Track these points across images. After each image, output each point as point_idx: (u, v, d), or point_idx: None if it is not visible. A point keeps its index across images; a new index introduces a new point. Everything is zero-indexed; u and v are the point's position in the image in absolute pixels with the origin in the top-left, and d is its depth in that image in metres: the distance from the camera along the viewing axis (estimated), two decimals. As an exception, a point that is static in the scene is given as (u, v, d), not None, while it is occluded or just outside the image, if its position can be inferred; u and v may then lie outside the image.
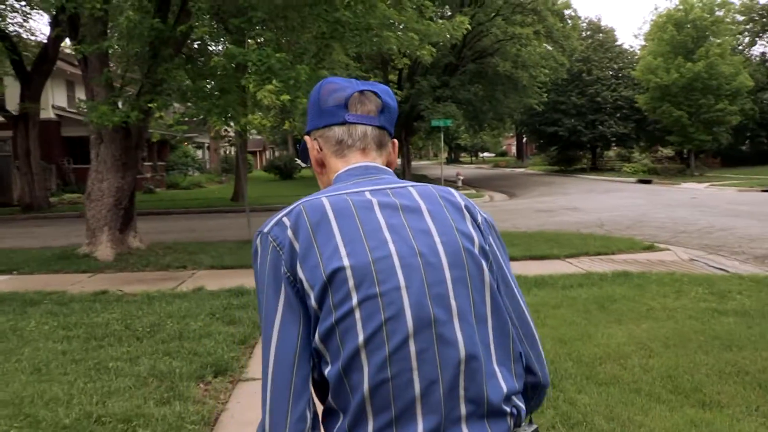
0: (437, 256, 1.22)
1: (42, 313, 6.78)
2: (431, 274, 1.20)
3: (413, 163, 37.49)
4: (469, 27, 16.17)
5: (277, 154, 60.13)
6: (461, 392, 1.17)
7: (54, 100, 30.44)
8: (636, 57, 40.69)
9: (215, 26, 10.63)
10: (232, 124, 10.73)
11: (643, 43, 38.47)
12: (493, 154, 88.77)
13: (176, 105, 12.92)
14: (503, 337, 1.27)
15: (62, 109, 31.48)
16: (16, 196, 25.44)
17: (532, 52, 27.22)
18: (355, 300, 1.15)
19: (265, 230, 1.25)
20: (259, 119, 10.53)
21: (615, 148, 46.99)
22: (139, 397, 4.22)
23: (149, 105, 9.52)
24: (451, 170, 36.31)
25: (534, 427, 1.30)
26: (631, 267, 8.68)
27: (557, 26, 29.47)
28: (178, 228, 15.99)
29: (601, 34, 44.43)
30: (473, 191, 27.12)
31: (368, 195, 1.27)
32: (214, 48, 11.83)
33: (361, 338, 1.14)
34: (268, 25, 10.19)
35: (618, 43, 44.68)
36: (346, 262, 1.17)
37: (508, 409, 1.23)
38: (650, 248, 10.45)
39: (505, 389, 1.22)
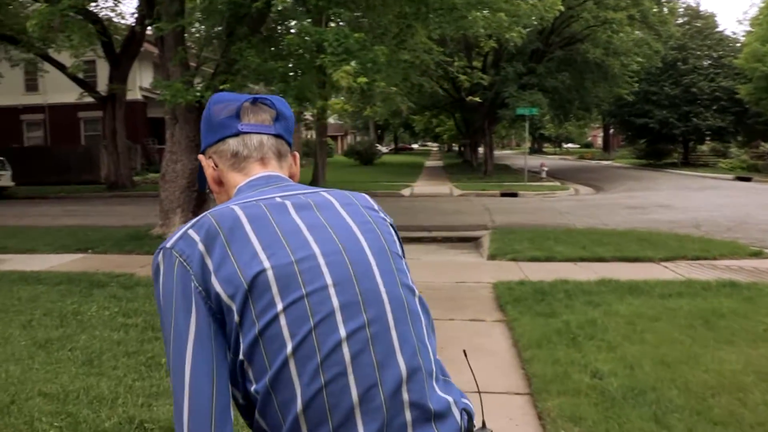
0: (361, 249, 1.16)
1: (106, 296, 6.61)
2: (359, 268, 1.14)
3: (495, 153, 36.46)
4: (562, 8, 15.22)
5: (357, 139, 60.23)
6: (404, 396, 1.09)
7: (141, 81, 31.28)
8: (739, 44, 37.94)
9: (293, 3, 10.27)
10: (308, 106, 10.38)
11: (748, 28, 35.68)
12: (578, 146, 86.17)
13: (253, 86, 12.71)
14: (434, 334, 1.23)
15: (148, 90, 32.29)
16: (103, 175, 26.26)
17: (625, 38, 25.67)
18: (280, 306, 1.07)
19: (168, 245, 1.13)
20: (341, 104, 10.18)
21: (709, 142, 44.33)
22: (188, 403, 3.85)
23: (223, 85, 9.29)
24: (534, 161, 35.07)
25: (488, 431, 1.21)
26: (737, 275, 7.76)
27: (653, 10, 27.69)
28: (253, 211, 15.85)
29: (699, 21, 41.82)
30: (557, 183, 26.03)
31: (279, 199, 1.20)
32: (291, 27, 11.48)
33: (289, 348, 1.05)
34: (347, 4, 9.73)
35: (718, 29, 41.94)
36: (266, 264, 1.08)
37: (457, 409, 1.16)
38: (758, 254, 9.38)
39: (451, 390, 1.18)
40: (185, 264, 1.10)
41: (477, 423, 1.23)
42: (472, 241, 10.90)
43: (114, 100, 23.08)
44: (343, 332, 1.08)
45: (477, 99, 18.36)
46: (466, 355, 1.43)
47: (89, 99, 24.41)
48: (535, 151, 76.02)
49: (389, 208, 1.54)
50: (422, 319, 1.20)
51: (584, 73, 28.57)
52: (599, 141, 76.36)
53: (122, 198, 22.04)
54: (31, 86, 32.97)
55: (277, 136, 1.31)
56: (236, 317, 1.07)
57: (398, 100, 17.00)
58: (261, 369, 1.06)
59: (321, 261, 1.12)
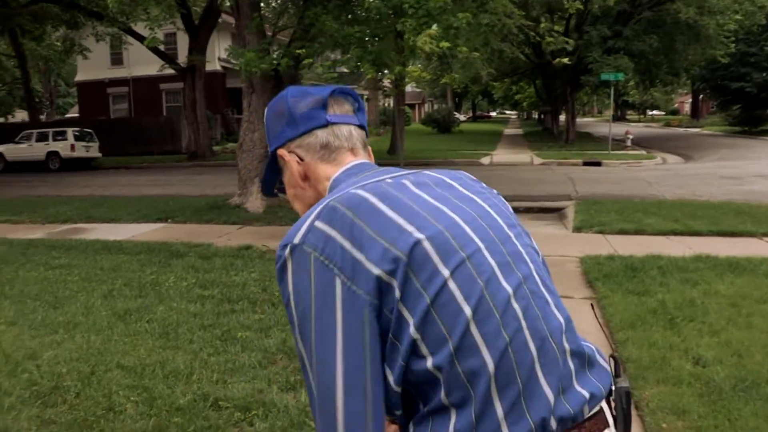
0: (492, 217, 1.15)
1: (184, 266, 6.63)
2: (497, 233, 1.12)
3: (577, 120, 35.18)
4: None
5: (435, 107, 59.56)
6: (566, 345, 1.08)
7: (219, 52, 31.71)
8: None
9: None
10: (386, 72, 10.11)
11: None
12: (663, 113, 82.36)
13: (330, 54, 12.52)
14: None
15: (227, 61, 32.67)
16: (184, 145, 26.92)
17: (723, -6, 23.95)
18: (446, 272, 1.01)
19: (296, 241, 1.06)
20: (418, 71, 9.88)
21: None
22: (263, 379, 3.73)
23: (298, 51, 9.11)
24: (618, 128, 33.57)
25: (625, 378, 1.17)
26: None
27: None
28: (330, 180, 15.81)
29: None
30: (643, 152, 24.83)
31: (391, 180, 1.15)
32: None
33: (468, 311, 1.00)
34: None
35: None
36: (420, 235, 1.02)
37: (602, 358, 1.17)
38: None
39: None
40: (321, 258, 1.02)
41: None
42: (556, 212, 10.43)
43: (194, 72, 23.46)
44: (509, 289, 1.06)
45: (565, 60, 17.46)
46: (593, 308, 1.49)
47: (170, 71, 24.92)
48: (618, 118, 73.01)
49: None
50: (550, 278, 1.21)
51: (674, 35, 26.84)
52: (686, 108, 72.68)
53: (202, 167, 22.51)
54: (116, 60, 34.09)
55: (360, 126, 1.31)
56: (397, 293, 0.99)
57: (479, 66, 16.45)
58: (439, 339, 0.99)
59: (465, 227, 1.09)
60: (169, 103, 34.02)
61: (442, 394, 1.00)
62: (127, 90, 34.76)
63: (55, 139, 24.34)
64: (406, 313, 0.99)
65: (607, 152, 23.08)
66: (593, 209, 9.86)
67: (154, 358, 4.10)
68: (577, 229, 8.65)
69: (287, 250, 1.06)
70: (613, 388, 1.13)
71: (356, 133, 1.27)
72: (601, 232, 8.36)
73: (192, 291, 5.66)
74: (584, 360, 1.11)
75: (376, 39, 9.43)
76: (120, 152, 27.64)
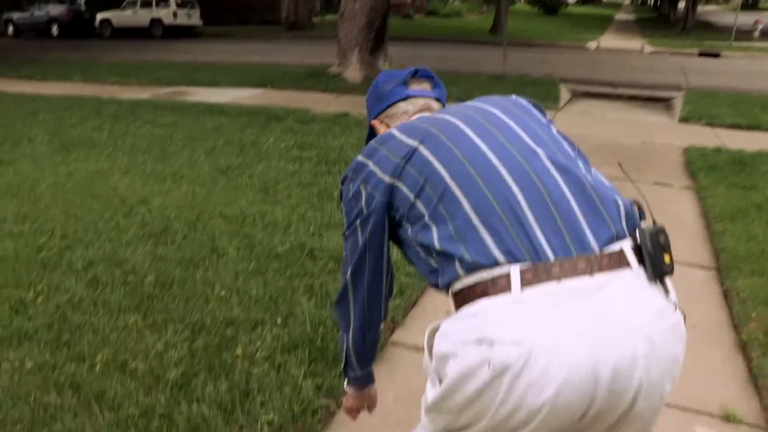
0: (503, 121, 1.32)
1: (282, 129, 6.83)
2: (498, 125, 1.30)
3: (699, 8, 32.36)
4: None
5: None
6: (567, 192, 1.18)
7: None
8: None
9: None
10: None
11: None
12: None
13: None
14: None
15: (330, -72, 31.64)
16: (283, 15, 26.78)
17: None
18: (436, 162, 1.23)
19: (347, 170, 1.38)
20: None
21: None
22: (355, 235, 3.90)
23: None
24: (746, 17, 30.58)
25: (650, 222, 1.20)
26: None
27: None
28: (431, 56, 15.52)
29: None
30: (770, 46, 22.72)
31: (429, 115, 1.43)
32: None
33: (447, 176, 1.21)
34: None
35: None
36: (416, 143, 1.27)
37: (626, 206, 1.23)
38: None
39: None
40: (355, 177, 1.33)
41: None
42: (663, 102, 9.88)
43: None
44: (487, 151, 1.25)
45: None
46: (621, 166, 1.36)
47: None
48: (748, 6, 66.50)
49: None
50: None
51: None
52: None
53: (300, 38, 22.47)
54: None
55: (437, 99, 1.54)
56: (404, 188, 1.25)
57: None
58: (429, 198, 1.24)
59: (455, 121, 1.31)
60: (270, -28, 33.57)
61: (426, 216, 1.22)
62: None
63: (158, 6, 24.75)
64: (408, 193, 1.24)
65: (729, 43, 21.25)
66: (704, 101, 9.27)
67: (254, 209, 4.34)
68: (684, 120, 8.20)
69: (344, 174, 1.40)
70: (639, 231, 1.15)
71: (434, 105, 1.51)
72: (710, 124, 7.90)
73: (290, 152, 5.86)
74: (594, 196, 1.18)
75: None
76: (219, 21, 27.86)
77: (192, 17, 25.34)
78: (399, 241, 1.34)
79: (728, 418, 2.46)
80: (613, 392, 1.05)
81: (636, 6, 68.94)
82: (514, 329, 1.04)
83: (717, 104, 8.99)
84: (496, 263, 1.09)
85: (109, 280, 3.37)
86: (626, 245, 1.13)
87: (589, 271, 1.08)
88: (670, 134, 7.38)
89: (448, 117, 1.33)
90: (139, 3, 25.11)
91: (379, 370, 2.66)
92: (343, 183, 1.38)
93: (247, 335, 2.86)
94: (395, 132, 1.33)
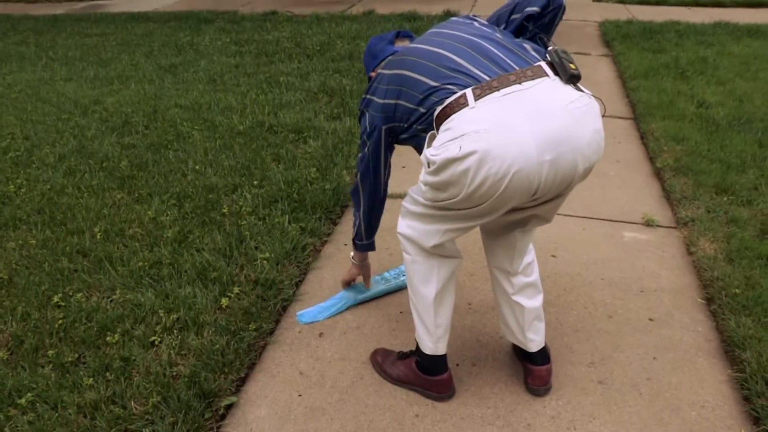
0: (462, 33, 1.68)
1: (215, 30, 6.86)
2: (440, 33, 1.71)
3: None
4: None
5: None
6: (497, 35, 1.66)
7: None
8: None
9: None
10: None
11: None
12: None
13: None
14: None
15: None
16: None
17: None
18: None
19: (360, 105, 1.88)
20: None
21: None
22: (310, 111, 4.19)
23: None
24: None
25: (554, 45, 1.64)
26: None
27: None
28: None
29: None
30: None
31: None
32: None
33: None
34: None
35: None
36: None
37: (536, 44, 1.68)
38: None
39: None
40: (364, 109, 1.83)
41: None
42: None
43: None
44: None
45: None
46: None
47: None
48: None
49: None
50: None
51: None
52: None
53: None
54: None
55: None
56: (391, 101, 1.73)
57: None
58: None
59: (425, 47, 1.68)
60: None
61: (411, 106, 1.67)
62: None
63: None
64: (392, 103, 1.72)
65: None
66: (615, -19, 9.71)
67: (207, 98, 4.53)
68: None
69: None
70: (547, 52, 1.57)
71: None
72: (621, 2, 8.37)
73: (228, 48, 5.97)
74: (514, 50, 1.59)
75: None
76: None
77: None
78: (403, 140, 1.80)
79: (648, 223, 2.98)
80: (553, 149, 1.46)
81: None
82: (474, 124, 1.45)
83: (627, -17, 9.44)
84: (453, 93, 1.52)
85: (85, 168, 3.56)
86: (542, 63, 1.54)
87: (518, 81, 1.48)
88: (585, 12, 7.81)
89: (415, 44, 1.74)
90: None
91: (351, 214, 3.03)
92: (360, 116, 1.88)
93: (228, 197, 3.15)
94: (384, 70, 1.78)
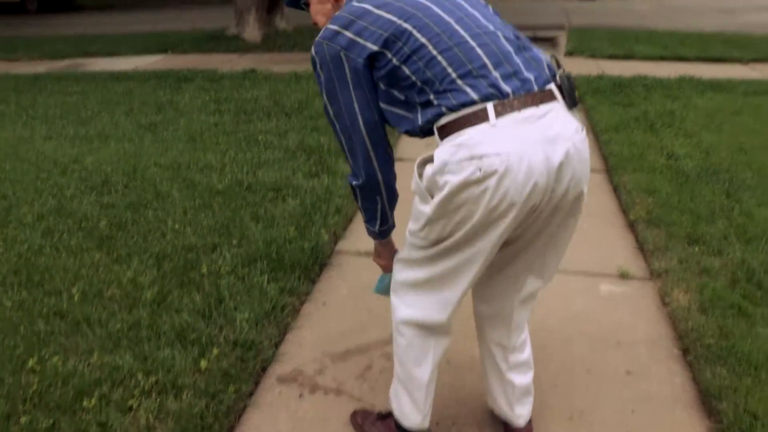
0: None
1: (195, 88, 6.96)
2: (446, 3, 1.60)
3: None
4: None
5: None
6: (507, 46, 1.56)
7: None
8: None
9: None
10: None
11: None
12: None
13: None
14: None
15: None
16: (169, -19, 25.84)
17: None
18: (422, 38, 1.52)
19: (318, 39, 1.60)
20: None
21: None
22: (288, 169, 4.24)
23: None
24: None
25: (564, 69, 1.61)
26: (831, 74, 7.43)
27: None
28: (323, 13, 15.62)
29: None
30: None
31: None
32: None
33: (425, 41, 1.53)
34: None
35: None
36: (406, 25, 1.54)
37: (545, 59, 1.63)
38: None
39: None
40: (332, 44, 1.57)
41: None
42: (549, 41, 10.60)
43: None
44: (452, 21, 1.57)
45: None
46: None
47: None
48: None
49: None
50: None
51: None
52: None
53: (188, 4, 21.89)
54: None
55: None
56: (389, 55, 1.54)
57: None
58: (411, 60, 1.54)
59: (427, 3, 1.59)
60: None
61: (418, 83, 1.53)
62: None
63: (32, -23, 23.35)
64: (395, 60, 1.54)
65: (603, -14, 22.53)
66: (585, 37, 10.07)
67: (187, 157, 4.57)
68: (569, 54, 8.93)
69: (314, 47, 1.61)
70: (558, 75, 1.58)
71: None
72: (592, 56, 8.65)
73: (208, 106, 6.05)
74: (531, 57, 1.58)
75: None
76: (101, -9, 26.60)
77: (71, -13, 24.07)
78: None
79: (623, 275, 3.04)
80: (559, 179, 1.50)
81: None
82: (495, 145, 1.43)
83: (597, 39, 9.79)
84: (473, 102, 1.46)
85: (63, 228, 3.56)
86: (552, 86, 1.54)
87: (536, 103, 1.49)
88: (558, 68, 8.04)
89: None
90: (10, -24, 23.56)
91: (331, 273, 3.08)
92: (317, 49, 1.60)
93: (208, 256, 3.16)
94: (368, 7, 1.59)
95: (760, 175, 4.15)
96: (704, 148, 4.67)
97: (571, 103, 1.57)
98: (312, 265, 3.07)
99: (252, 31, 10.48)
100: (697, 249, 3.20)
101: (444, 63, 1.50)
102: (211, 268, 3.05)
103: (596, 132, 5.12)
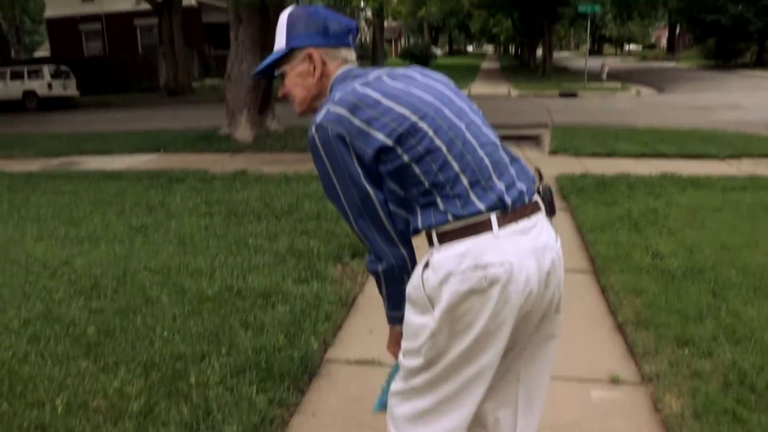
0: (444, 92, 1.64)
1: (186, 189, 7.06)
2: (450, 101, 1.62)
3: (554, 54, 35.25)
4: None
5: (412, 41, 59.13)
6: (504, 157, 1.64)
7: (195, -14, 31.09)
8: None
9: None
10: (368, 1, 10.34)
11: None
12: (641, 47, 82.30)
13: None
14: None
15: (203, -5, 32.13)
16: (162, 82, 26.73)
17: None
18: (430, 131, 1.54)
19: (318, 120, 1.55)
20: (393, 3, 10.06)
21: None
22: (278, 274, 4.26)
23: (286, -17, 9.33)
24: (594, 62, 33.79)
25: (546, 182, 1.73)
26: (807, 171, 7.67)
27: None
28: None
29: None
30: (618, 85, 25.25)
31: (374, 78, 1.63)
32: None
33: (441, 144, 1.55)
34: None
35: None
36: (415, 118, 1.54)
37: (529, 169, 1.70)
38: (829, 152, 9.16)
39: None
40: (338, 128, 1.52)
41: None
42: (533, 139, 10.93)
43: (170, 6, 23.22)
44: (462, 126, 1.60)
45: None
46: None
47: (145, 6, 24.57)
48: (595, 52, 72.93)
49: None
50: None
51: (652, -34, 27.00)
52: (663, 42, 72.72)
53: (182, 103, 22.53)
54: (88, -5, 33.30)
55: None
56: (399, 150, 1.52)
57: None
58: (424, 160, 1.54)
59: (438, 104, 1.59)
60: (144, 40, 33.48)
61: (426, 184, 1.54)
62: (100, 27, 34.04)
63: (30, 78, 24.02)
64: (405, 157, 1.53)
65: (583, 85, 23.50)
66: (568, 135, 10.41)
67: (177, 261, 4.59)
68: (553, 153, 9.20)
69: (314, 128, 1.56)
70: (540, 187, 1.69)
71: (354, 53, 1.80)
72: (575, 154, 8.92)
73: (199, 208, 6.13)
74: (520, 168, 1.67)
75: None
76: (97, 91, 27.42)
77: (68, 88, 24.78)
78: None
79: (614, 380, 3.02)
80: (547, 285, 1.60)
81: (500, 55, 73.81)
82: (499, 255, 1.50)
83: (579, 137, 10.12)
84: (480, 213, 1.52)
85: (50, 334, 3.52)
86: (537, 197, 1.65)
87: (528, 214, 1.58)
88: (542, 165, 8.18)
89: (424, 95, 1.60)
90: (8, 75, 24.22)
91: (320, 382, 3.04)
92: (320, 133, 1.55)
93: (196, 366, 3.13)
94: (375, 95, 1.56)
95: (744, 273, 4.21)
96: (688, 246, 4.75)
97: (551, 212, 1.69)
98: (301, 375, 3.03)
99: (243, 131, 10.76)
100: (687, 351, 3.20)
101: (457, 169, 1.53)
102: (200, 378, 3.01)
103: (582, 232, 5.21)
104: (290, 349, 3.22)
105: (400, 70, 1.70)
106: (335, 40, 1.71)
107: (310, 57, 1.70)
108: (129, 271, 4.44)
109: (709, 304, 3.72)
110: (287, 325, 3.49)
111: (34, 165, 9.82)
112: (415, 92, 1.59)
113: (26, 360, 3.26)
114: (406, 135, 1.51)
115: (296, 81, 1.74)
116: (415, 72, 1.70)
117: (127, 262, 4.63)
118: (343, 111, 1.53)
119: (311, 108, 1.76)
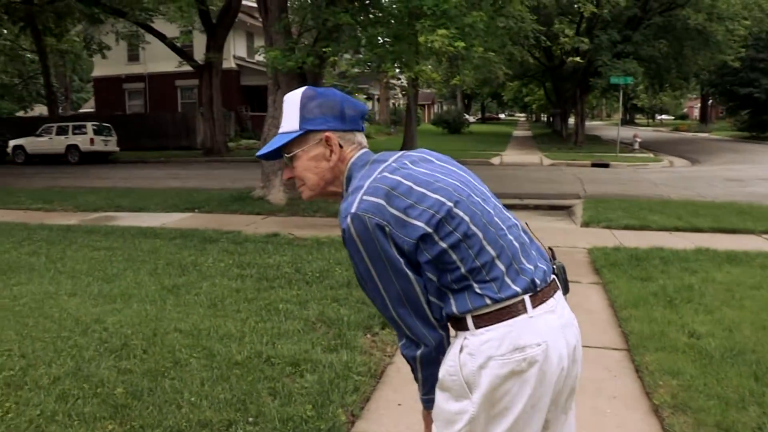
0: (465, 176, 1.69)
1: (219, 250, 7.14)
2: (474, 185, 1.67)
3: (585, 123, 35.49)
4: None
5: (445, 108, 60.10)
6: (526, 240, 1.69)
7: (235, 50, 32.32)
8: None
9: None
10: (404, 70, 10.60)
11: None
12: (672, 117, 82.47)
13: (347, 57, 13.01)
14: None
15: (242, 59, 33.28)
16: (199, 141, 27.43)
17: (732, 1, 24.26)
18: (466, 218, 1.55)
19: (353, 210, 1.52)
20: (428, 72, 10.32)
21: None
22: (307, 342, 4.23)
23: (324, 50, 9.61)
24: (626, 132, 33.89)
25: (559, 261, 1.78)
26: None
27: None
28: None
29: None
30: (651, 155, 25.22)
31: (396, 164, 1.64)
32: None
33: (475, 229, 1.56)
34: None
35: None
36: (450, 203, 1.56)
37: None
38: None
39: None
40: (375, 218, 1.50)
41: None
42: (565, 210, 10.89)
43: (210, 69, 24.02)
44: (492, 212, 1.65)
45: (577, 60, 18.01)
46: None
47: (185, 68, 25.49)
48: (627, 122, 73.28)
49: (479, 176, 1.82)
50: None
51: (683, 40, 27.20)
52: (696, 113, 72.83)
53: (218, 163, 23.03)
54: (133, 57, 34.71)
55: None
56: (436, 237, 1.52)
57: (495, 67, 17.04)
58: (460, 246, 1.54)
59: (465, 189, 1.62)
60: (184, 100, 34.65)
61: (463, 270, 1.53)
62: (142, 86, 35.37)
63: (74, 133, 24.93)
64: (442, 244, 1.53)
65: (615, 155, 23.51)
66: (601, 207, 10.33)
67: (207, 324, 4.60)
68: (585, 224, 9.13)
69: (349, 218, 1.53)
70: (554, 266, 1.73)
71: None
72: (608, 227, 8.84)
73: (231, 270, 6.17)
74: (537, 248, 1.72)
75: (396, 39, 9.90)
76: (136, 147, 28.22)
77: (109, 143, 25.59)
78: None
79: (649, 469, 2.90)
80: (575, 361, 1.66)
81: (531, 123, 74.47)
82: (535, 336, 1.54)
83: (612, 209, 10.05)
84: (516, 295, 1.55)
85: (79, 393, 3.52)
86: (555, 278, 1.70)
87: (552, 294, 1.64)
88: (574, 237, 8.21)
89: (450, 180, 1.61)
90: (55, 129, 25.19)
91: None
92: (356, 223, 1.52)
93: (223, 434, 3.10)
94: (408, 183, 1.55)
95: (787, 357, 4.07)
96: (726, 325, 4.62)
97: (566, 290, 1.73)
98: (328, 449, 2.98)
99: (277, 194, 10.92)
100: (728, 440, 3.07)
101: (493, 254, 1.55)
102: (225, 447, 2.97)
103: (615, 308, 5.11)
104: (317, 420, 3.17)
105: (415, 154, 1.71)
106: (351, 124, 1.69)
107: (327, 140, 1.66)
108: (159, 331, 4.46)
109: (752, 389, 3.59)
110: (315, 395, 3.45)
111: (73, 219, 10.06)
112: (441, 177, 1.60)
113: (54, 419, 3.26)
114: (444, 222, 1.52)
115: (308, 165, 1.68)
116: (429, 155, 1.73)
117: (158, 322, 4.66)
118: (379, 200, 1.51)
119: (323, 193, 1.73)
